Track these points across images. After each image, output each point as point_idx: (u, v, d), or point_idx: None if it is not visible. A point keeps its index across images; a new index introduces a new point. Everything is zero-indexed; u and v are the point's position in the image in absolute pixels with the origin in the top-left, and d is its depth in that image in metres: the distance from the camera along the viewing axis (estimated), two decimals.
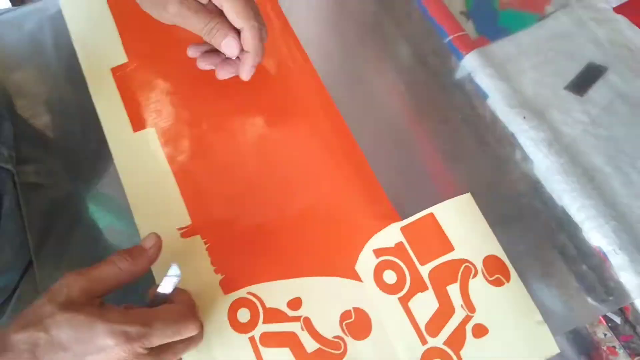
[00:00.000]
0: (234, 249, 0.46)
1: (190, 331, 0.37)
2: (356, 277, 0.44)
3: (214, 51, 0.48)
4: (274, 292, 0.44)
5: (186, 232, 0.46)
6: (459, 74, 0.53)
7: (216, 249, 0.46)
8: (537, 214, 0.48)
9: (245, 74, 0.46)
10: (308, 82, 0.52)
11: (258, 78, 0.50)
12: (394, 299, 0.42)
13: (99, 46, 0.54)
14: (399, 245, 0.44)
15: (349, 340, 0.42)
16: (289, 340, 0.42)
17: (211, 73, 0.49)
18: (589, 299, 0.45)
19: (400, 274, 0.43)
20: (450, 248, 0.43)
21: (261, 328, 0.43)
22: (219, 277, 0.45)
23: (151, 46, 0.54)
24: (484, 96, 0.51)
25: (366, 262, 0.44)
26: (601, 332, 0.48)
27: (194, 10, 0.42)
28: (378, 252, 0.44)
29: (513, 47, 0.53)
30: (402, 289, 0.43)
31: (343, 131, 0.50)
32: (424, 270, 0.43)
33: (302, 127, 0.50)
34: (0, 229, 0.47)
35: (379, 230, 0.45)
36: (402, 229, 0.44)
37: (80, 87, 0.53)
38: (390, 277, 0.43)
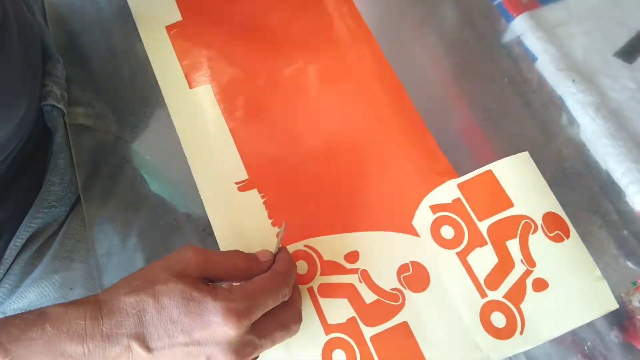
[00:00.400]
0: (291, 203, 0.46)
1: (283, 297, 0.37)
2: (413, 232, 0.45)
3: None
4: (331, 246, 0.44)
5: (243, 186, 0.46)
6: (507, 36, 0.53)
7: (273, 203, 0.46)
8: (581, 178, 0.48)
9: None
10: (363, 41, 0.52)
11: (313, 37, 0.50)
12: (452, 253, 0.43)
13: (153, 4, 0.54)
14: (457, 201, 0.44)
15: (407, 292, 0.43)
16: (347, 292, 0.43)
17: (265, 31, 0.49)
18: (629, 263, 0.46)
19: (458, 230, 0.44)
20: (510, 204, 0.43)
21: (319, 280, 0.43)
22: (276, 230, 0.45)
23: (205, 4, 0.53)
24: (532, 59, 0.52)
25: (423, 217, 0.45)
26: (636, 301, 0.49)
27: None
28: (435, 208, 0.45)
29: (563, 11, 0.53)
30: (460, 244, 0.43)
31: (398, 89, 0.50)
32: (483, 226, 0.43)
33: (358, 85, 0.50)
34: (51, 164, 0.48)
35: (436, 186, 0.45)
36: (459, 186, 0.45)
37: (130, 34, 0.53)
38: (447, 232, 0.44)
